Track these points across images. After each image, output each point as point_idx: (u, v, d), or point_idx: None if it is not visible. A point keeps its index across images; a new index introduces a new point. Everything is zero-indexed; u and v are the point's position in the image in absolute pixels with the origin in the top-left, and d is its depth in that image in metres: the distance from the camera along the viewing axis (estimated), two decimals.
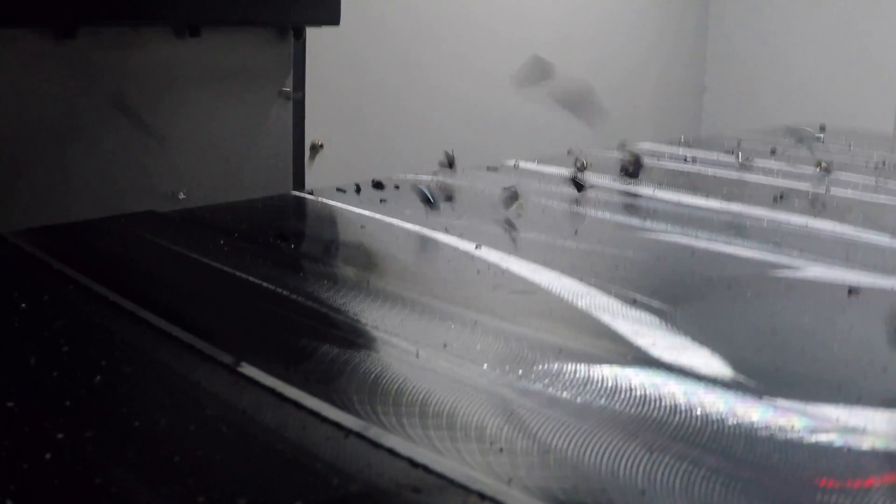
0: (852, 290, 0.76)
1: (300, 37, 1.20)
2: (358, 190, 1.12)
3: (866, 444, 0.49)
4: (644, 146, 1.58)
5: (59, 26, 0.89)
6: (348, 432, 0.47)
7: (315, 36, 1.69)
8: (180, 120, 1.01)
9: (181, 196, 1.02)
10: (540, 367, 0.58)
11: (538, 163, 1.37)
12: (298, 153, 1.69)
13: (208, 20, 1.01)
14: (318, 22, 1.25)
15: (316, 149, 1.99)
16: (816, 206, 1.12)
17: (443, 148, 1.48)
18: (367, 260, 0.84)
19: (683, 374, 0.58)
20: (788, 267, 0.83)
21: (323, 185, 1.66)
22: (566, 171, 1.24)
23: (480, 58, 2.39)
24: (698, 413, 0.52)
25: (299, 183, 1.75)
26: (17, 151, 1.00)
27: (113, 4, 0.92)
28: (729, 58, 3.31)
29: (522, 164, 1.35)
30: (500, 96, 2.36)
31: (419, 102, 2.25)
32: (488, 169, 1.32)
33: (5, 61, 0.94)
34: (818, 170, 1.37)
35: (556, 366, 0.58)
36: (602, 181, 1.24)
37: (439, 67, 2.28)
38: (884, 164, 1.47)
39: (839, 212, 1.07)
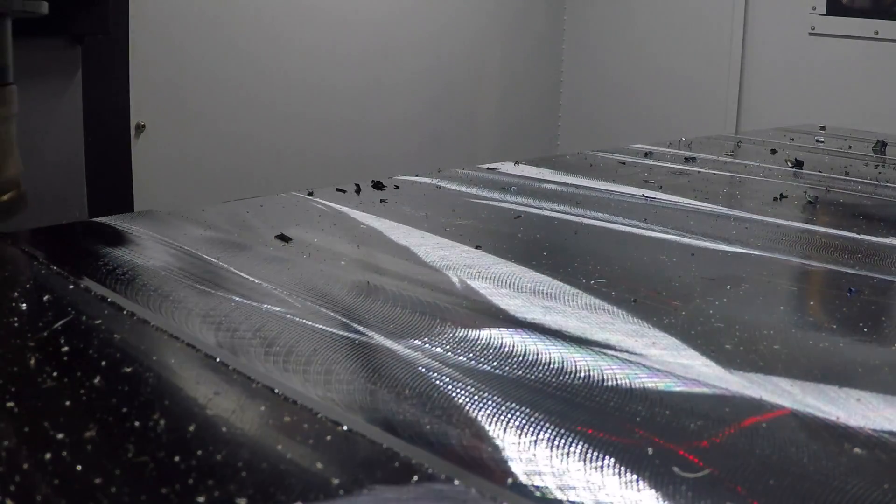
0: (852, 290, 0.76)
1: (82, 42, 1.57)
2: (358, 190, 1.12)
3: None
4: (641, 146, 1.58)
5: None
6: (349, 432, 0.47)
7: (139, 28, 2.09)
8: None
9: None
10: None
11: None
12: (124, 132, 2.11)
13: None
14: (94, 32, 1.62)
15: (140, 128, 2.34)
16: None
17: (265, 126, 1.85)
18: (366, 263, 0.84)
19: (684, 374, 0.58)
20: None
21: (148, 161, 2.05)
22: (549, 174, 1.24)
23: (302, 36, 2.54)
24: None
25: (126, 159, 2.09)
26: None
27: None
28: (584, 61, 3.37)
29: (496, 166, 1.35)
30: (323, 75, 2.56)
31: (241, 83, 2.45)
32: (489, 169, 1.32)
33: None
34: (789, 165, 1.39)
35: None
36: (590, 183, 1.24)
37: (262, 48, 2.47)
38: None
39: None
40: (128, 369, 0.54)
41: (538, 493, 0.42)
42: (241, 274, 0.77)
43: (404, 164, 2.66)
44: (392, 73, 2.77)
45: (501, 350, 0.61)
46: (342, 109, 2.66)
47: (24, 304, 0.65)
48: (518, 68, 3.22)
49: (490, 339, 0.63)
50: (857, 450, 0.48)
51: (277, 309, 0.68)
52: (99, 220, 0.95)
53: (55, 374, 0.52)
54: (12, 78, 1.15)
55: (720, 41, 2.99)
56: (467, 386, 0.55)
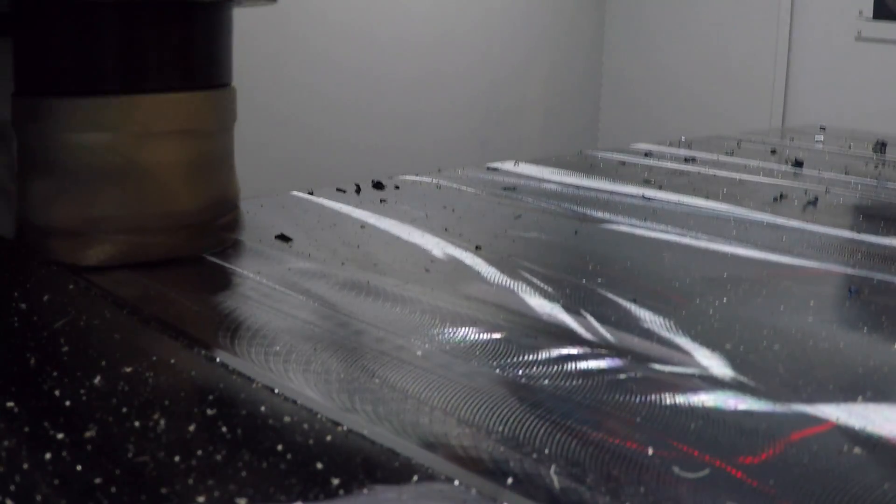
0: (853, 290, 0.76)
1: None
2: (358, 190, 1.12)
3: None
4: (641, 146, 1.58)
5: None
6: (349, 432, 0.47)
7: None
8: None
9: None
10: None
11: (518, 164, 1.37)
12: None
13: None
14: None
15: None
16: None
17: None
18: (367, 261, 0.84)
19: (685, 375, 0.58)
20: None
21: None
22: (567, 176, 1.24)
23: (356, 28, 2.48)
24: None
25: None
26: None
27: None
28: (623, 60, 3.34)
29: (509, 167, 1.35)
30: (378, 96, 2.50)
31: (294, 103, 2.38)
32: (488, 169, 1.32)
33: None
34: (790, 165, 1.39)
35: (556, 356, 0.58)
36: (590, 183, 1.24)
37: (310, 68, 2.39)
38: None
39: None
40: (128, 369, 0.54)
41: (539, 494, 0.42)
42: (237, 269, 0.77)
43: (447, 155, 2.61)
44: (443, 66, 2.74)
45: (497, 350, 0.61)
46: (392, 101, 2.61)
47: (24, 305, 0.65)
48: (560, 62, 3.19)
49: (491, 338, 0.63)
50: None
51: (279, 307, 0.68)
52: None
53: (55, 373, 0.52)
54: (232, 78, 0.95)
55: (765, 42, 2.94)
56: (465, 387, 0.55)
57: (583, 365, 0.59)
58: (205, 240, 0.86)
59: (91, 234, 0.80)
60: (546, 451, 0.47)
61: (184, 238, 0.84)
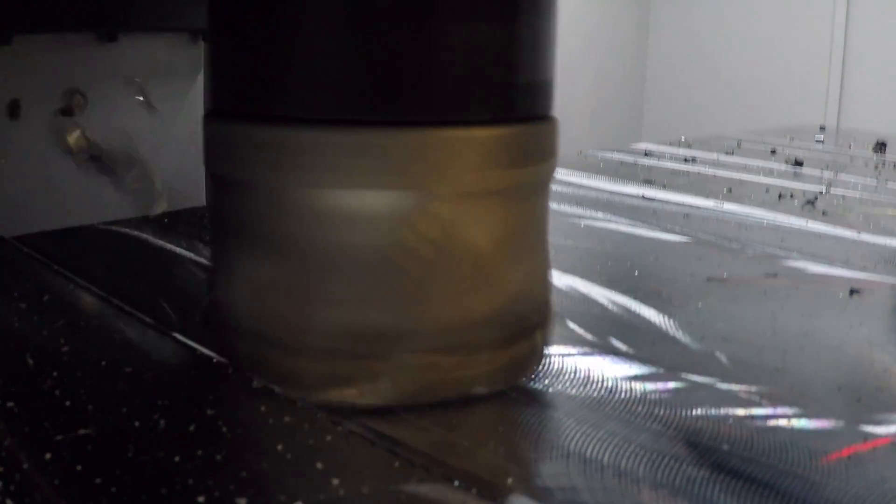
0: (854, 291, 0.76)
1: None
2: None
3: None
4: (641, 146, 1.58)
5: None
6: (349, 432, 0.47)
7: None
8: (102, 116, 1.11)
9: None
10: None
11: None
12: None
13: (126, 26, 1.10)
14: None
15: None
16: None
17: None
18: None
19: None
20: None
21: None
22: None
23: None
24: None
25: None
26: None
27: (46, 14, 1.00)
28: (668, 58, 3.28)
29: None
30: None
31: None
32: None
33: None
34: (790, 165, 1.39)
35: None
36: (590, 182, 1.24)
37: None
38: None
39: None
40: (128, 369, 0.54)
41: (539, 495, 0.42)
42: None
43: None
44: None
45: None
46: None
47: (24, 304, 0.65)
48: (603, 58, 3.18)
49: None
50: None
51: None
52: (98, 224, 0.95)
53: (55, 373, 0.52)
54: (552, 107, 0.55)
55: (820, 41, 2.88)
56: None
57: (583, 365, 0.59)
58: (520, 361, 0.54)
59: (365, 359, 0.48)
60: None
61: (494, 361, 0.52)
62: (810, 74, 2.91)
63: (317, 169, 0.47)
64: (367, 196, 0.46)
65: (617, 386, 0.55)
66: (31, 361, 0.54)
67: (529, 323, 0.54)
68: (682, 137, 1.70)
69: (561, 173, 1.28)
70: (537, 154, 0.52)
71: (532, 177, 0.52)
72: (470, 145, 0.48)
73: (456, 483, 0.42)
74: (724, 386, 0.56)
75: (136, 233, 0.90)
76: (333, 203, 0.47)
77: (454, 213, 0.48)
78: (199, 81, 1.20)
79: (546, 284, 0.57)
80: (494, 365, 0.52)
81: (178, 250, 0.84)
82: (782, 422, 0.51)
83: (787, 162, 1.44)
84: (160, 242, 0.86)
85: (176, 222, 0.95)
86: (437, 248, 0.47)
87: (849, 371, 0.60)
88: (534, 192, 0.53)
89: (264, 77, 0.48)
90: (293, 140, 0.47)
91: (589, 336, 0.64)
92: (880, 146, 1.64)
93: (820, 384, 0.57)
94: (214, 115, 0.53)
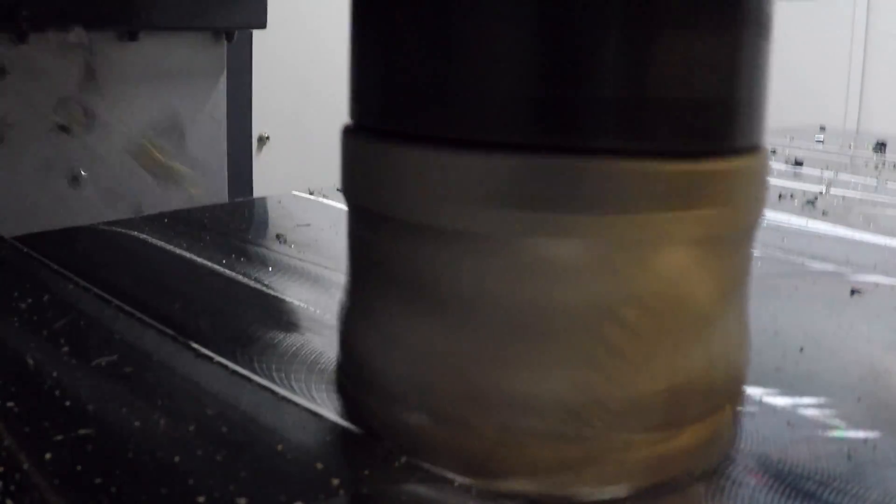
0: (854, 291, 0.76)
1: (231, 39, 1.27)
2: None
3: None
4: None
5: (17, 32, 0.96)
6: (349, 432, 0.47)
7: (261, 36, 1.85)
8: (122, 115, 1.09)
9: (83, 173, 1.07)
10: None
11: None
12: (246, 144, 1.88)
13: (146, 25, 1.09)
14: (247, 26, 1.31)
15: (263, 140, 2.18)
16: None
17: None
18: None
19: None
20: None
21: (269, 172, 1.79)
22: None
23: None
24: None
25: (247, 171, 1.93)
26: None
27: (65, 12, 0.98)
28: None
29: None
30: None
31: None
32: None
33: None
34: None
35: None
36: None
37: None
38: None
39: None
40: (128, 369, 0.54)
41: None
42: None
43: None
44: None
45: None
46: None
47: (24, 304, 0.65)
48: None
49: None
50: None
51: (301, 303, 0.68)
52: (98, 224, 0.95)
53: (55, 373, 0.52)
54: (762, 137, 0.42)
55: (840, 43, 2.86)
56: None
57: None
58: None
59: (588, 441, 0.38)
60: None
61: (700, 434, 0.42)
62: (810, 74, 2.91)
63: (539, 219, 0.35)
64: (589, 245, 0.36)
65: None
66: (31, 361, 0.54)
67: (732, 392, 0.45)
68: None
69: None
70: (762, 190, 0.43)
71: (755, 216, 0.42)
72: (713, 181, 0.38)
73: (456, 483, 0.42)
74: None
75: (136, 233, 0.90)
76: (546, 253, 0.36)
77: (686, 261, 0.38)
78: (222, 82, 1.20)
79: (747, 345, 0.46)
80: (700, 440, 0.41)
81: (179, 250, 0.84)
82: (782, 421, 0.51)
83: (787, 162, 1.44)
84: (160, 242, 0.86)
85: (176, 222, 0.94)
86: (667, 303, 0.38)
87: (849, 371, 0.60)
88: (749, 235, 0.43)
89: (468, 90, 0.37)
90: (498, 170, 0.36)
91: None
92: (880, 146, 1.64)
93: (820, 384, 0.57)
94: (383, 135, 0.40)
